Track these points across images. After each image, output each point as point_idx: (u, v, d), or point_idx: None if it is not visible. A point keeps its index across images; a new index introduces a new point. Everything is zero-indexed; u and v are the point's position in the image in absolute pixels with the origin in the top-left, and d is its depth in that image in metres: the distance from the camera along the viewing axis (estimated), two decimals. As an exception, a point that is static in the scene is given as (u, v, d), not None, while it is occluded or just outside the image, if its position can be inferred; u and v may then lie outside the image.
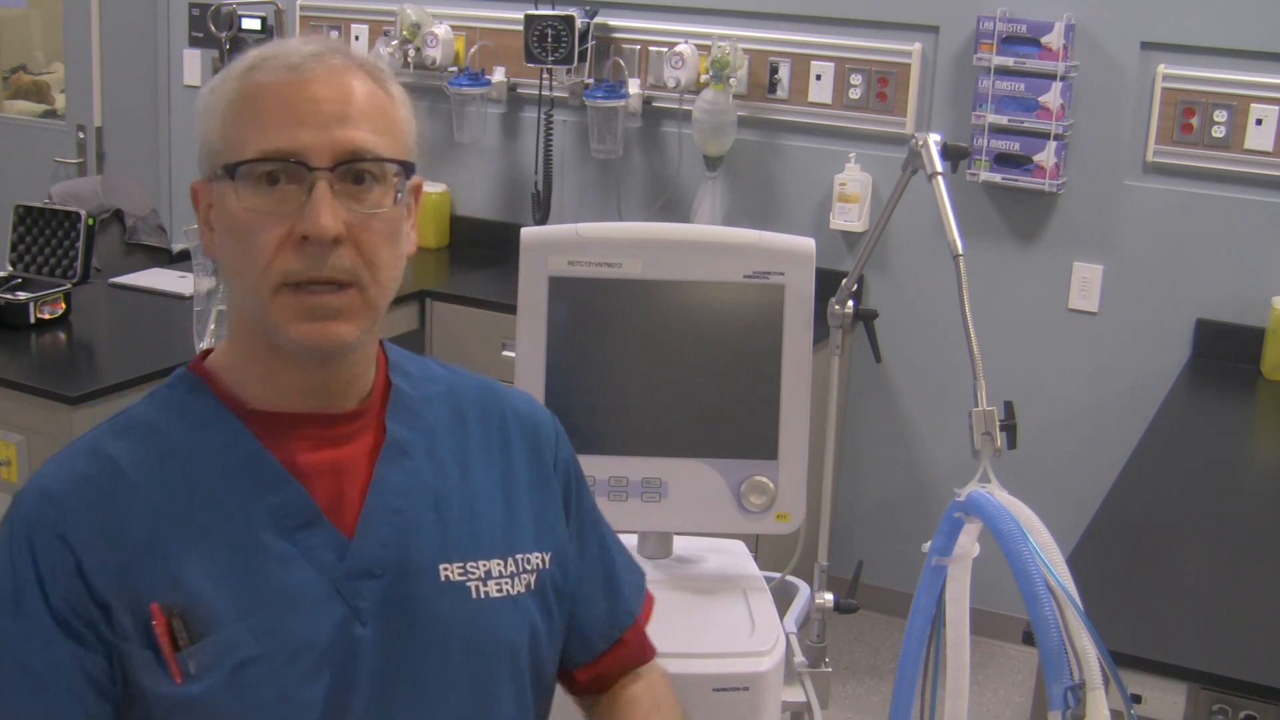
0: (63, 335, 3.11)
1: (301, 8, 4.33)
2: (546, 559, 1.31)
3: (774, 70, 3.73)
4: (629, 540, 2.03)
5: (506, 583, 1.25)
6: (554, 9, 3.82)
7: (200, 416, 1.21)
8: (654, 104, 3.90)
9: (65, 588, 1.13)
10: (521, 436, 1.35)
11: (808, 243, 2.03)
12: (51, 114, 5.17)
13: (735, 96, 3.72)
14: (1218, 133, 3.32)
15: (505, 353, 3.50)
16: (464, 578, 1.23)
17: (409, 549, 1.21)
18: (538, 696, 1.33)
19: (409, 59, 4.08)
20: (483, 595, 1.24)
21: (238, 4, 4.12)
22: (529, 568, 1.28)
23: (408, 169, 1.18)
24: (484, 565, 1.24)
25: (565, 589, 1.34)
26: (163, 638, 1.13)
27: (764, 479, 2.01)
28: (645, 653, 1.46)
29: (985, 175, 3.49)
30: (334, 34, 4.30)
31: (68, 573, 1.13)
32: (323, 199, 1.11)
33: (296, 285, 1.13)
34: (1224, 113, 3.30)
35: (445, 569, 1.22)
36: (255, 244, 1.12)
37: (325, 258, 1.12)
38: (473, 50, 4.02)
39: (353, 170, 1.14)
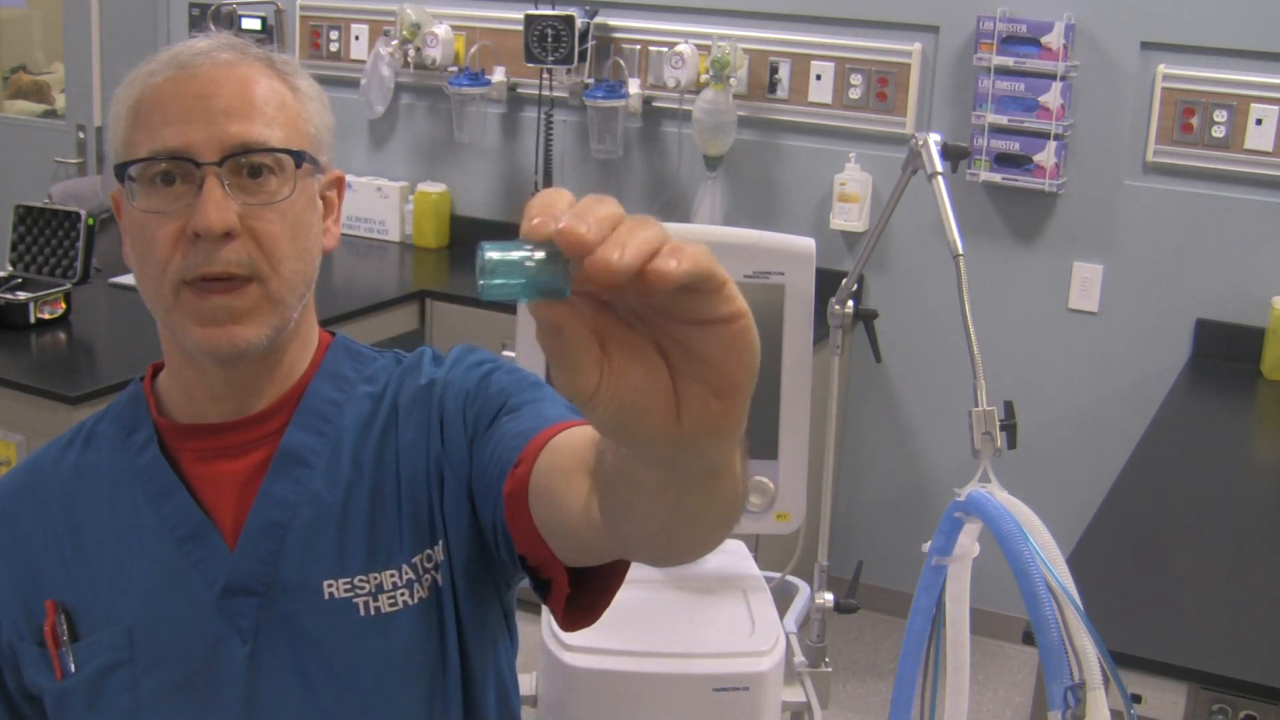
0: (63, 335, 3.11)
1: (301, 8, 4.33)
2: (438, 549, 1.19)
3: (774, 70, 3.73)
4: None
5: (404, 593, 1.17)
6: (554, 9, 3.82)
7: (128, 425, 1.23)
8: (654, 104, 3.90)
9: None
10: (416, 409, 1.22)
11: (808, 243, 2.04)
12: (51, 114, 5.17)
13: (735, 96, 3.72)
14: (1218, 133, 3.32)
15: (505, 353, 3.48)
16: (350, 594, 1.16)
17: (288, 565, 1.16)
18: (474, 693, 1.24)
19: (409, 59, 4.08)
20: (372, 612, 1.16)
21: (238, 4, 4.12)
22: (429, 565, 1.19)
23: (299, 158, 1.14)
24: (376, 579, 1.17)
25: (483, 526, 1.18)
26: (49, 634, 1.18)
27: (764, 479, 2.01)
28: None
29: (985, 175, 3.49)
30: (334, 33, 4.30)
31: None
32: (210, 194, 1.09)
33: (197, 286, 1.11)
34: (1224, 113, 3.30)
35: (330, 586, 1.16)
36: (152, 244, 1.11)
37: (218, 253, 1.09)
38: (473, 50, 4.02)
39: (247, 163, 1.11)
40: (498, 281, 0.59)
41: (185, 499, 1.18)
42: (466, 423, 1.19)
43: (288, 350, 1.21)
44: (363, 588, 1.17)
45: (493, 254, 0.60)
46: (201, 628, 1.16)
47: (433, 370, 1.25)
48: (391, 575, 1.17)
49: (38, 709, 1.24)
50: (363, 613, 1.17)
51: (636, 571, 1.08)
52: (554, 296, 0.60)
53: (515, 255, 0.59)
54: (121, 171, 1.13)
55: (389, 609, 1.17)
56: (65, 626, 1.17)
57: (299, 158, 1.14)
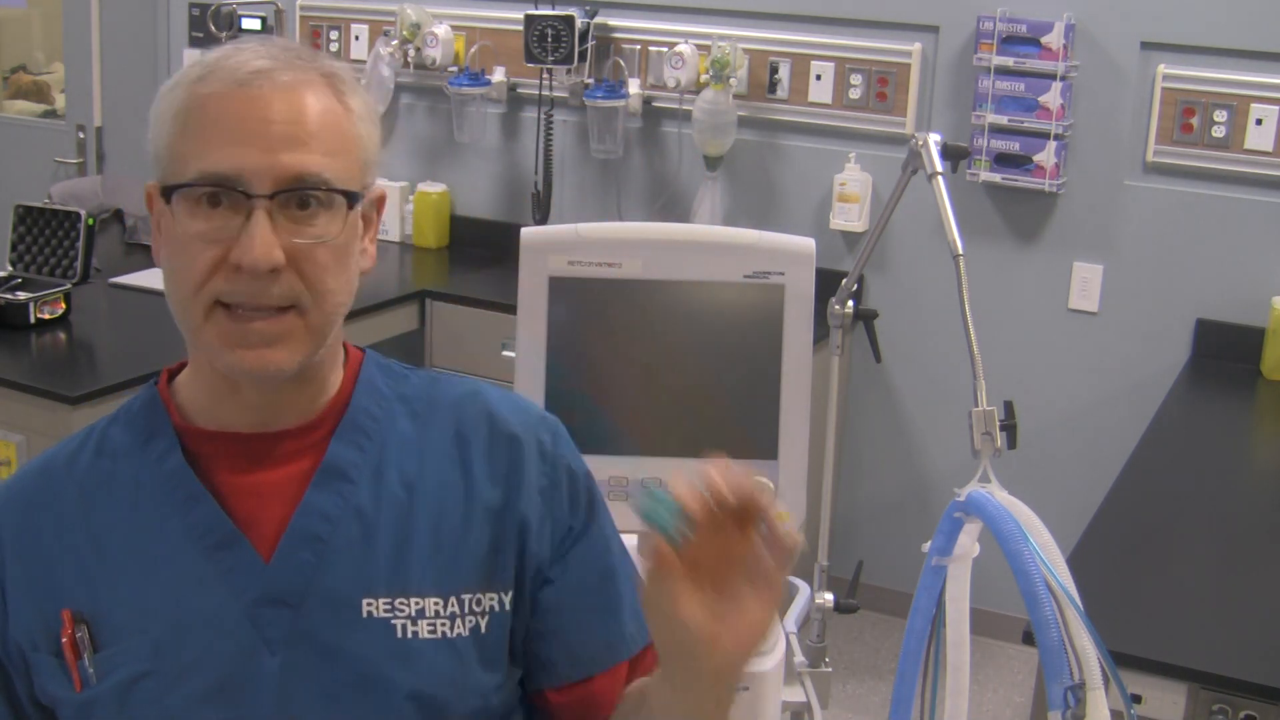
0: (63, 335, 3.11)
1: (301, 8, 4.33)
2: (505, 599, 1.19)
3: (774, 70, 3.73)
4: (629, 540, 2.03)
5: (444, 624, 1.16)
6: (554, 9, 3.82)
7: (145, 431, 1.20)
8: (654, 104, 3.90)
9: None
10: (494, 449, 1.22)
11: (808, 243, 2.03)
12: (51, 114, 5.17)
13: (735, 96, 3.72)
14: (1218, 133, 3.32)
15: (505, 353, 3.50)
16: (390, 614, 1.15)
17: (328, 579, 1.15)
18: None
19: (409, 59, 4.08)
20: (409, 635, 1.15)
21: (238, 4, 4.12)
22: (477, 609, 1.18)
23: (352, 199, 1.12)
24: (417, 603, 1.15)
25: (540, 627, 1.22)
26: (68, 644, 1.15)
27: (764, 479, 2.01)
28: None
29: (985, 175, 3.49)
30: (334, 33, 4.30)
31: None
32: (258, 229, 1.06)
33: (230, 307, 1.09)
34: (1224, 113, 3.30)
35: (369, 603, 1.15)
36: (189, 265, 1.09)
37: (260, 287, 1.08)
38: (473, 50, 4.02)
39: (297, 196, 1.09)
40: (659, 512, 0.98)
41: (214, 507, 1.16)
42: (560, 508, 1.24)
43: (321, 367, 1.19)
44: (403, 610, 1.15)
45: (662, 495, 0.99)
46: (230, 638, 1.14)
47: (525, 423, 1.25)
48: (435, 603, 1.16)
49: (48, 718, 1.21)
50: (399, 635, 1.15)
51: (636, 571, 1.09)
52: (670, 539, 0.98)
53: (670, 503, 0.98)
54: (169, 191, 1.10)
55: (427, 635, 1.16)
56: (86, 637, 1.15)
57: (352, 199, 1.12)
